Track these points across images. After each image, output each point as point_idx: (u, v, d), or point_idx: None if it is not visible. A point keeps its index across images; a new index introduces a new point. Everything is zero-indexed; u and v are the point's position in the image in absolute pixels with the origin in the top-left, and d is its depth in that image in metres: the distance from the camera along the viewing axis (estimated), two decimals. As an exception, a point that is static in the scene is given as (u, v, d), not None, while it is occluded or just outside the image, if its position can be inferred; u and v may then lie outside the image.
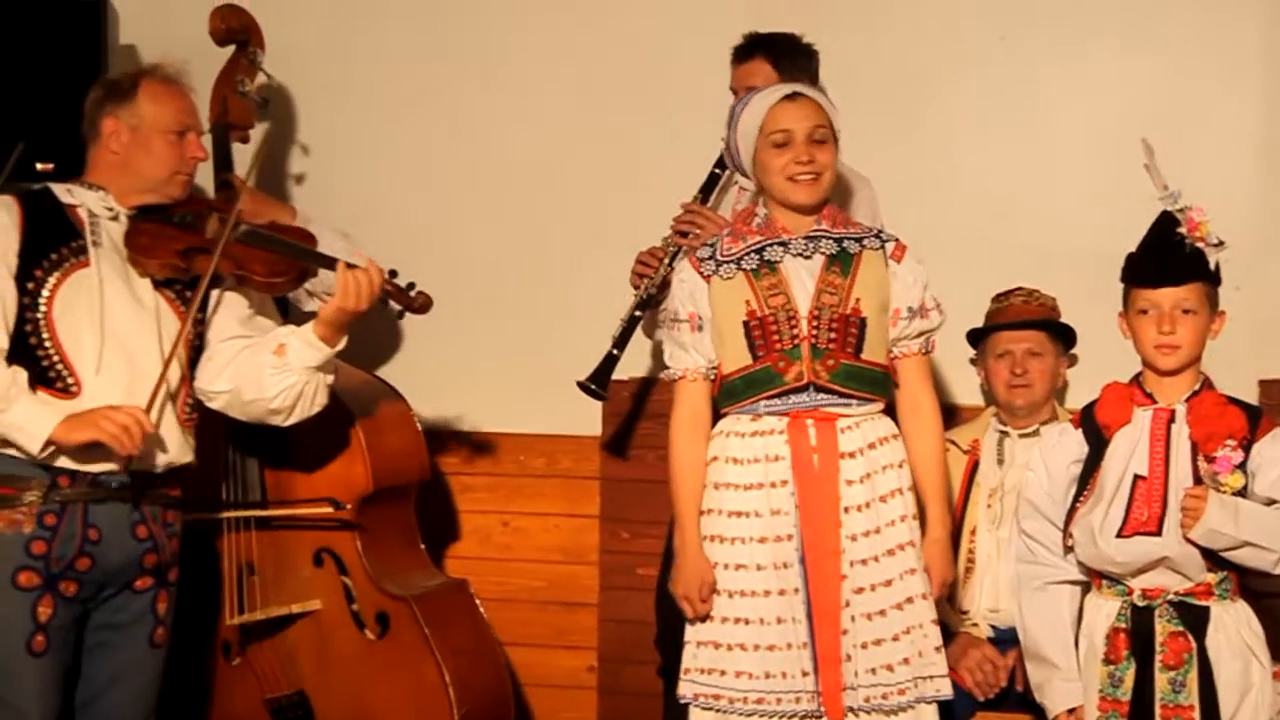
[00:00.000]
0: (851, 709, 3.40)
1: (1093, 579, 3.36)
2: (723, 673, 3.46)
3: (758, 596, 3.44)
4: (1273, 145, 4.34)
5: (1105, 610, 3.33)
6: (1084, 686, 3.36)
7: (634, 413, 4.64)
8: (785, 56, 4.13)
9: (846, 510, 3.41)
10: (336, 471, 4.06)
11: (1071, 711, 3.38)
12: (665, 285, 4.17)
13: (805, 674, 3.40)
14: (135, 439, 3.42)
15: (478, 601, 4.29)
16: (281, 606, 4.07)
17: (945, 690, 3.44)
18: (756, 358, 3.47)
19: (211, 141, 4.15)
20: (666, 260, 4.13)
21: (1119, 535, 3.27)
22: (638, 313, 4.15)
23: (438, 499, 4.37)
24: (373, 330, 4.41)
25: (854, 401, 3.45)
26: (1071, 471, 3.39)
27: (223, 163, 4.19)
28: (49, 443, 3.43)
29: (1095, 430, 3.37)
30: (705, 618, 3.48)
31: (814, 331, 3.43)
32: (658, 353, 4.51)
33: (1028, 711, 3.79)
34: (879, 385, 3.49)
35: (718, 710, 3.48)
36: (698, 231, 4.07)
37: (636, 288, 4.15)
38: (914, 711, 3.42)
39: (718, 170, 4.18)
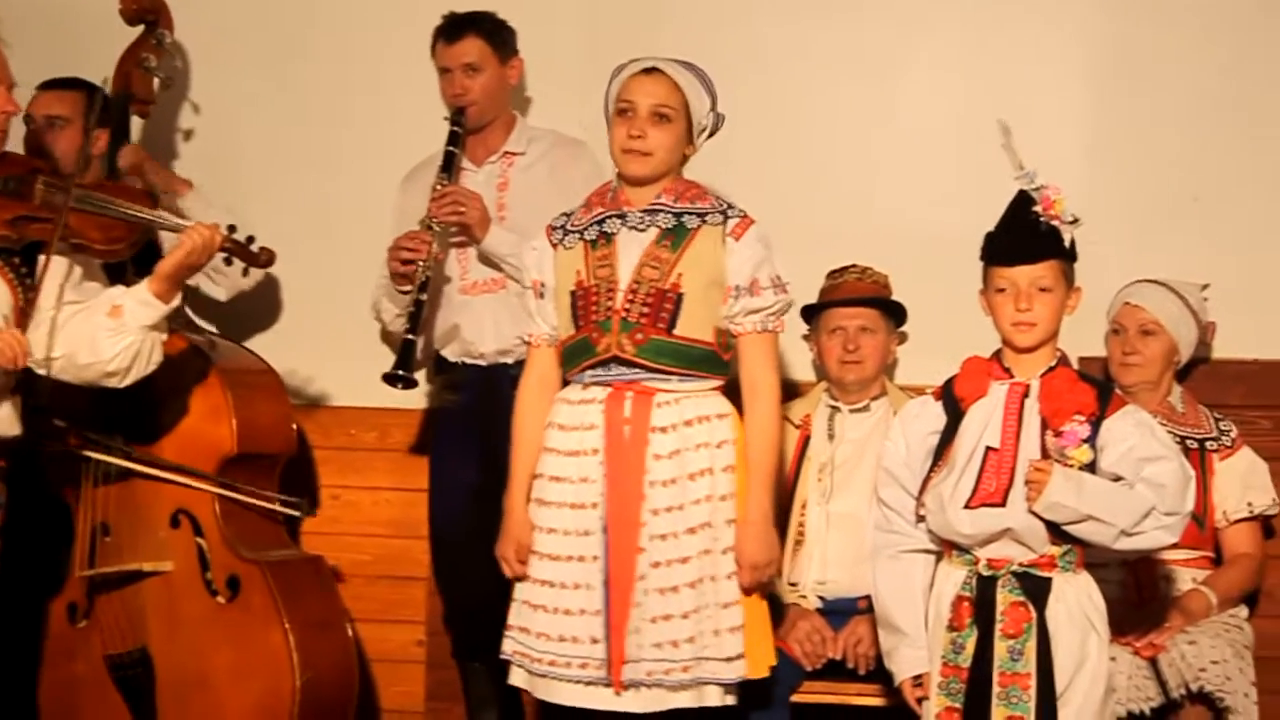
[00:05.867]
0: (634, 682, 3.41)
1: (944, 548, 3.39)
2: (528, 631, 3.49)
3: (560, 561, 3.47)
4: (1099, 128, 4.44)
5: (953, 579, 3.35)
6: (930, 652, 3.37)
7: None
8: (496, 33, 4.22)
9: (651, 484, 3.43)
10: (202, 430, 4.04)
11: (917, 679, 3.40)
12: (439, 265, 4.15)
13: (595, 641, 3.42)
14: (19, 357, 3.39)
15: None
16: (133, 562, 4.02)
17: (729, 674, 3.42)
18: (578, 328, 3.50)
19: (113, 110, 4.25)
20: (435, 242, 4.10)
21: (966, 506, 3.31)
22: (422, 296, 4.11)
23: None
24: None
25: (674, 377, 3.45)
26: (929, 442, 3.40)
27: (120, 131, 4.32)
28: None
29: (953, 402, 3.40)
30: (523, 577, 3.51)
31: (628, 305, 3.44)
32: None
33: (854, 681, 3.87)
34: (704, 363, 3.48)
35: (527, 670, 3.51)
36: (462, 210, 4.07)
37: (398, 273, 4.10)
38: (697, 691, 3.42)
39: (452, 149, 4.17)
